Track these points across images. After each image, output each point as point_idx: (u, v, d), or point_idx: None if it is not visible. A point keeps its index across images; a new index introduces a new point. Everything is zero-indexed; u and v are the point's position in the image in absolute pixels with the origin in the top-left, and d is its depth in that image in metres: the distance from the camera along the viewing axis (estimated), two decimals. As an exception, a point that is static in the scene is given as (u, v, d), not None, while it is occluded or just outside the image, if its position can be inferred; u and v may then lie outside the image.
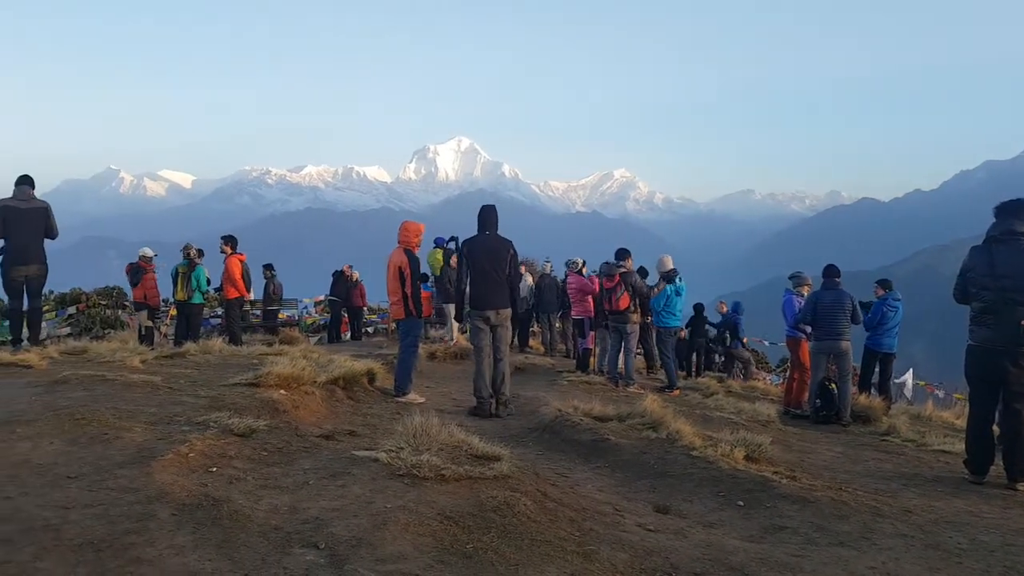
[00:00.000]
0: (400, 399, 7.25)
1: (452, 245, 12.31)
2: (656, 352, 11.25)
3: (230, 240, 12.56)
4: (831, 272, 9.15)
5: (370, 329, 19.57)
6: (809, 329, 9.31)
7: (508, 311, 7.39)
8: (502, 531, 3.24)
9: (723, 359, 16.00)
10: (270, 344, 11.49)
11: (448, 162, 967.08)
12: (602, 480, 4.94)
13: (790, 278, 10.32)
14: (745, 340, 15.75)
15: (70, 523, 2.89)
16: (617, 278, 9.91)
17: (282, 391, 6.04)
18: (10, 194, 8.48)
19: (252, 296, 14.99)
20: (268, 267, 17.01)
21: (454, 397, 7.91)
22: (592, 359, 11.66)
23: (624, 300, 9.82)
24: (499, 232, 7.50)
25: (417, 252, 7.80)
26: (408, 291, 7.39)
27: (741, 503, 4.45)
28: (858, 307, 9.25)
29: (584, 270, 11.83)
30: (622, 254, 10.25)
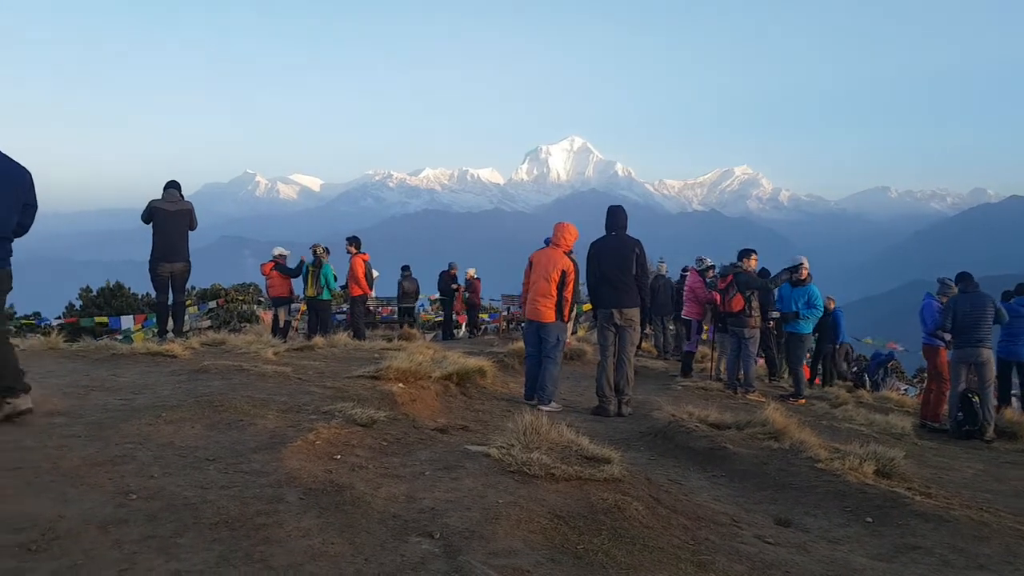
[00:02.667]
0: (544, 408, 6.91)
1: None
2: (779, 357, 10.78)
3: (354, 241, 13.19)
4: (964, 278, 8.55)
5: (482, 327, 19.94)
6: (948, 337, 8.65)
7: (634, 311, 7.32)
8: (613, 534, 3.22)
9: (854, 368, 15.08)
10: (390, 340, 11.95)
11: (560, 162, 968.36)
12: (718, 489, 4.79)
13: (939, 281, 9.58)
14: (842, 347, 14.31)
15: (208, 503, 3.12)
16: (730, 279, 9.54)
17: (400, 385, 6.28)
18: (160, 196, 9.30)
19: (374, 293, 15.70)
20: (405, 268, 17.96)
21: (564, 397, 7.92)
22: (711, 364, 11.32)
23: (737, 302, 9.42)
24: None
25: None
26: (567, 295, 7.22)
27: (870, 519, 4.21)
28: (1001, 308, 8.56)
29: (710, 273, 11.41)
30: (744, 254, 9.83)
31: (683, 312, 11.62)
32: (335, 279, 12.94)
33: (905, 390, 15.47)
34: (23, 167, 4.42)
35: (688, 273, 11.78)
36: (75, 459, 3.52)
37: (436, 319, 20.84)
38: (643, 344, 14.68)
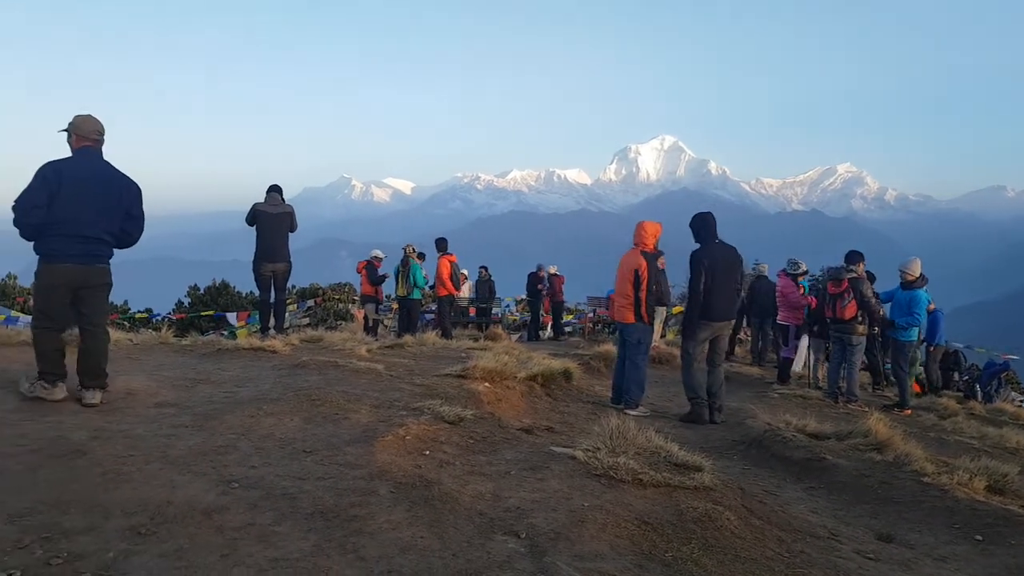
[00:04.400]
0: (631, 412, 6.75)
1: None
2: (883, 366, 10.21)
3: (440, 243, 13.46)
4: None
5: (568, 329, 19.85)
6: None
7: (734, 322, 7.14)
8: (703, 543, 3.14)
9: (965, 376, 14.10)
10: (476, 339, 12.09)
11: (650, 161, 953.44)
12: (815, 501, 4.60)
13: None
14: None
15: (304, 493, 3.25)
16: (845, 284, 9.05)
17: (486, 384, 6.33)
18: (263, 199, 9.74)
19: (461, 294, 15.96)
20: (483, 268, 18.19)
21: (652, 402, 7.78)
22: (806, 371, 10.85)
23: (850, 309, 8.96)
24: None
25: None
26: (643, 295, 7.05)
27: (979, 537, 3.95)
28: None
29: (801, 278, 10.92)
30: (853, 257, 9.34)
31: (778, 317, 11.18)
32: (425, 279, 13.21)
33: (1021, 403, 14.33)
34: (130, 180, 4.82)
35: (779, 277, 11.30)
36: (182, 448, 3.74)
37: (522, 320, 20.94)
38: (736, 349, 14.24)
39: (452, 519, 3.14)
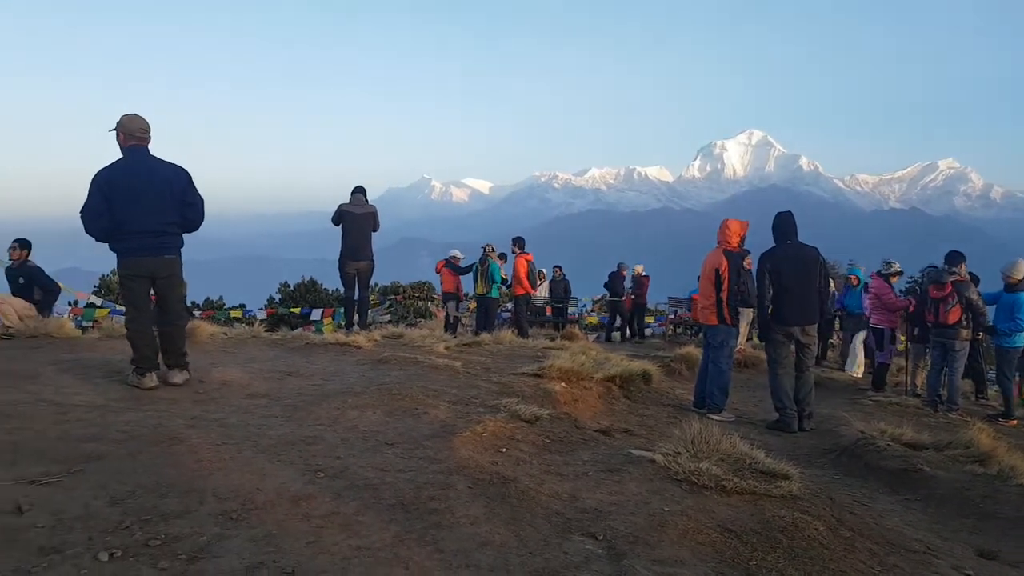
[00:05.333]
0: (714, 417, 6.57)
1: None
2: (987, 372, 9.59)
3: (518, 241, 13.51)
4: None
5: (648, 331, 19.55)
6: None
7: (815, 327, 6.87)
8: (789, 553, 3.02)
9: None
10: (552, 339, 12.07)
11: (736, 157, 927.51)
12: (911, 514, 4.37)
13: None
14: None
15: (386, 484, 3.32)
16: (948, 287, 8.56)
17: (562, 384, 6.32)
18: (348, 200, 10.04)
19: (537, 293, 15.98)
20: (558, 268, 18.15)
21: (737, 408, 7.57)
22: (906, 378, 10.32)
23: (954, 313, 8.47)
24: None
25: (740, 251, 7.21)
26: (724, 296, 6.86)
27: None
28: None
29: (894, 279, 10.40)
30: (954, 258, 8.83)
31: (872, 320, 10.67)
32: (503, 277, 13.30)
33: None
34: (178, 168, 5.09)
35: (872, 279, 10.77)
36: (272, 437, 3.89)
37: (600, 320, 20.77)
38: (828, 354, 13.70)
39: (529, 517, 3.14)
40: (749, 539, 3.10)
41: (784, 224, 6.91)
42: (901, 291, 10.38)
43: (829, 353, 13.65)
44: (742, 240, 7.20)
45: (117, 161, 4.93)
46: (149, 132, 5.01)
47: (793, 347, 6.94)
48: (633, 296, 17.31)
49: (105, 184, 4.76)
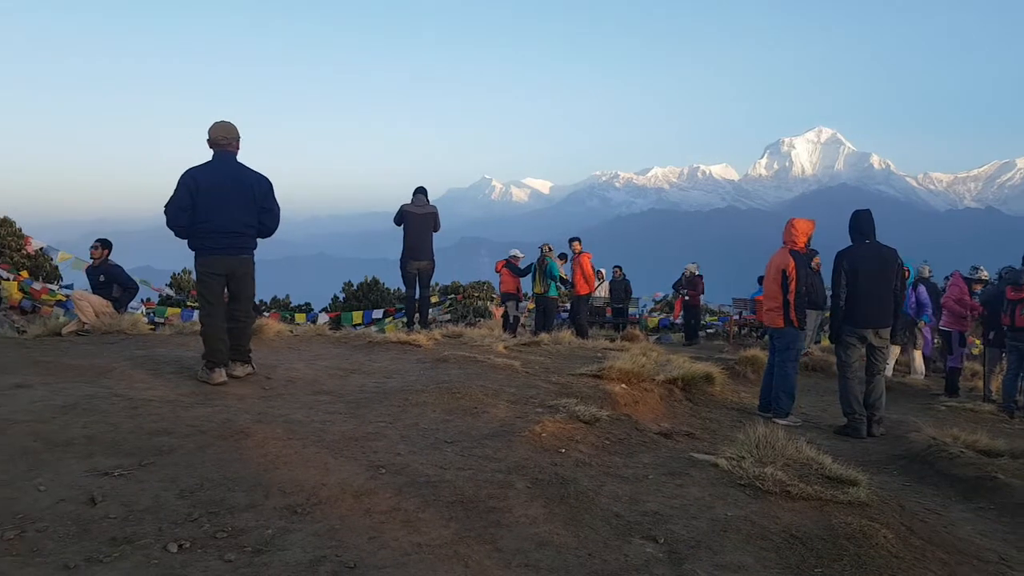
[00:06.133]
0: (780, 421, 6.49)
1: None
2: None
3: (577, 240, 13.43)
4: None
5: (710, 331, 19.15)
6: None
7: (889, 330, 6.63)
8: (856, 561, 2.92)
9: None
10: (612, 340, 11.96)
11: (805, 155, 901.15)
12: (984, 523, 4.16)
13: None
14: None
15: (446, 482, 3.35)
16: None
17: (622, 385, 6.25)
18: (410, 200, 10.18)
19: (596, 293, 15.84)
20: (617, 267, 17.95)
21: (804, 412, 7.35)
22: (982, 383, 9.84)
23: None
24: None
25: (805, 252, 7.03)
26: (791, 297, 6.69)
27: None
28: None
29: (977, 287, 9.93)
30: None
31: (941, 323, 10.22)
32: (562, 279, 13.23)
33: None
34: (260, 176, 5.32)
35: (951, 278, 10.29)
36: (336, 433, 3.98)
37: (661, 322, 20.48)
38: (900, 358, 13.17)
39: (588, 519, 3.12)
40: (815, 546, 3.01)
41: (862, 222, 6.68)
42: (976, 294, 9.88)
43: (900, 357, 13.12)
44: (808, 240, 7.00)
45: (206, 162, 5.22)
46: (236, 138, 5.29)
47: (864, 350, 6.71)
48: (685, 296, 16.85)
49: (192, 182, 5.03)
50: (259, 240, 5.41)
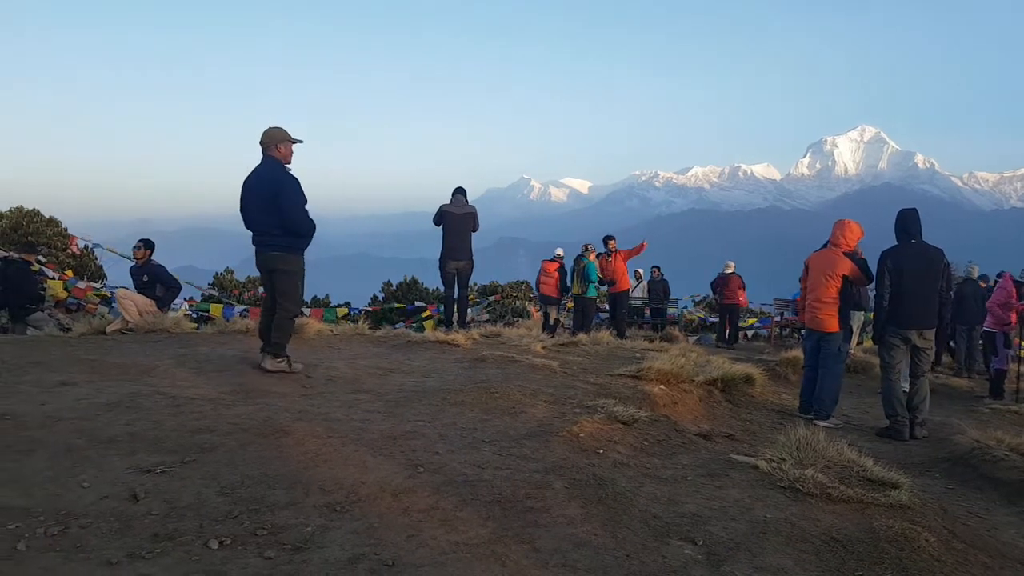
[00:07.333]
0: (821, 423, 6.41)
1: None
2: None
3: (612, 239, 13.32)
4: None
5: (749, 333, 18.84)
6: None
7: (933, 331, 6.49)
8: (897, 565, 2.86)
9: None
10: (651, 340, 11.86)
11: (848, 154, 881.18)
12: (1030, 528, 4.05)
13: None
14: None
15: (483, 481, 3.37)
16: None
17: (661, 386, 6.20)
18: (449, 200, 10.25)
19: (635, 294, 15.71)
20: (656, 268, 17.78)
21: (845, 414, 7.20)
22: (1017, 383, 9.54)
23: None
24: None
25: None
26: (841, 301, 6.69)
27: None
28: None
29: None
30: None
31: (986, 324, 9.94)
32: (601, 280, 13.11)
33: None
34: (275, 177, 5.47)
35: (1002, 279, 10.00)
36: (375, 432, 4.03)
37: (700, 321, 20.25)
38: (944, 359, 12.82)
39: (626, 520, 3.11)
40: (855, 549, 2.96)
41: (908, 222, 6.55)
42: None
43: (945, 358, 12.78)
44: (857, 243, 6.90)
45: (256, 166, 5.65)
46: (275, 143, 5.57)
47: (908, 351, 6.57)
48: (715, 297, 16.28)
49: (243, 185, 5.56)
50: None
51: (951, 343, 12.43)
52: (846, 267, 6.64)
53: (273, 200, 5.40)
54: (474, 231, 10.21)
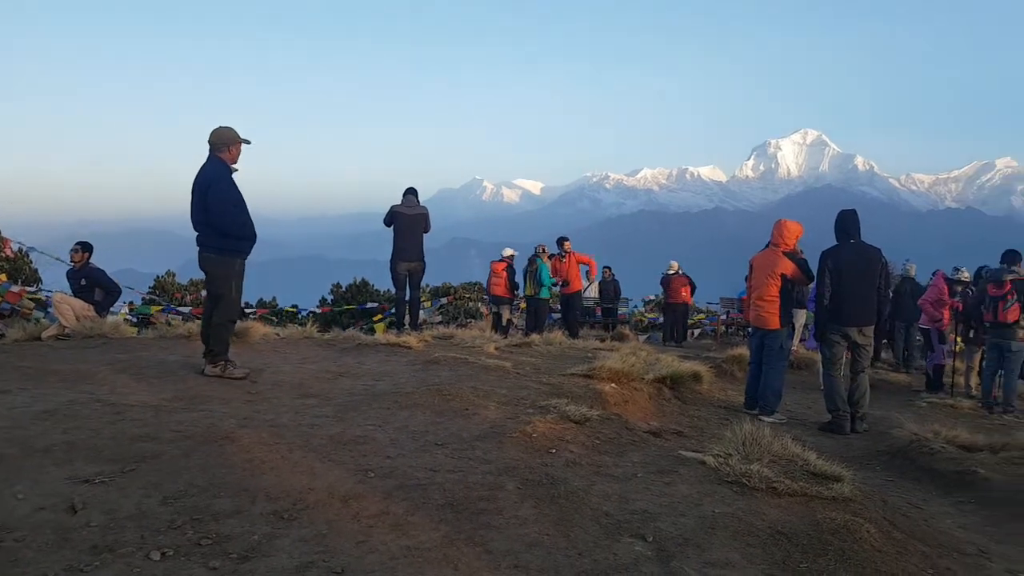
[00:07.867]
0: (766, 419, 6.57)
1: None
2: None
3: (566, 241, 13.41)
4: None
5: (696, 331, 19.20)
6: None
7: (872, 328, 6.72)
8: (840, 556, 2.95)
9: None
10: (603, 339, 11.97)
11: (791, 156, 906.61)
12: (965, 517, 4.25)
13: None
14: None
15: (435, 484, 3.35)
16: (1008, 286, 8.33)
17: (612, 384, 6.27)
18: (400, 201, 10.15)
19: (588, 293, 15.83)
20: (607, 268, 17.99)
21: (789, 409, 7.40)
22: (961, 379, 9.98)
23: (1013, 312, 8.27)
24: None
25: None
26: (781, 300, 6.84)
27: None
28: None
29: (960, 287, 10.10)
30: (1013, 257, 8.60)
31: (920, 321, 10.40)
32: (552, 279, 13.18)
33: None
34: (207, 173, 5.40)
35: (933, 278, 10.46)
36: (323, 437, 3.96)
37: (648, 321, 20.53)
38: (882, 355, 13.30)
39: (578, 518, 3.13)
40: (800, 542, 3.04)
41: (847, 222, 6.79)
42: (957, 294, 10.05)
43: (883, 354, 13.27)
44: (797, 242, 7.10)
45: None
46: (215, 143, 5.45)
47: (848, 348, 6.81)
48: (662, 296, 16.60)
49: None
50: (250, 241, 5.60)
51: (889, 340, 12.91)
52: (787, 267, 6.83)
53: (203, 197, 5.30)
54: (426, 232, 10.14)
